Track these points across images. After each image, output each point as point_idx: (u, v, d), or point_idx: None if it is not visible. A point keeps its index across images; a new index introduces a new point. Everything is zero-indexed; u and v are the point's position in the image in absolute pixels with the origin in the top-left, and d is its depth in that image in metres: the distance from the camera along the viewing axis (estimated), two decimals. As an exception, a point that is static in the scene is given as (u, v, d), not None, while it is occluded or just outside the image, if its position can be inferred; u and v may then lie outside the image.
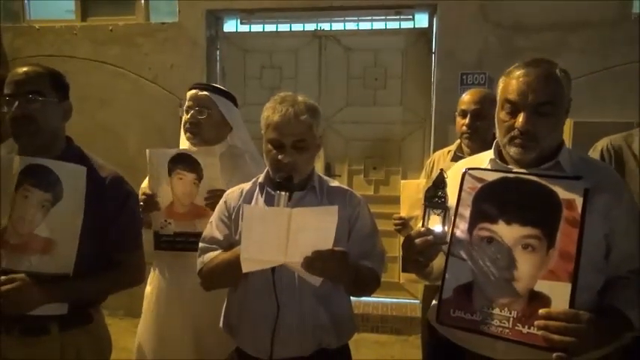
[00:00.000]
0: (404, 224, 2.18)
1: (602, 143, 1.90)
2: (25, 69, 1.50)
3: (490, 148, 1.44)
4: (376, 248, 1.59)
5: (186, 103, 2.08)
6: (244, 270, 1.38)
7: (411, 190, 2.20)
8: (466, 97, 2.19)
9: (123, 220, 1.60)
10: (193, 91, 2.08)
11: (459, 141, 2.28)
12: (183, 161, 1.94)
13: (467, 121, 2.14)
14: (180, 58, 3.95)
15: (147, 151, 1.99)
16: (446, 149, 2.40)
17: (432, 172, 2.33)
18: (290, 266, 1.39)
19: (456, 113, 2.23)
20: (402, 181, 2.31)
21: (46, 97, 1.49)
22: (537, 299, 1.18)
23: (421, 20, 3.96)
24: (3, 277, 1.37)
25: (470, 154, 2.02)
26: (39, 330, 1.47)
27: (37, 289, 1.39)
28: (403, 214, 2.20)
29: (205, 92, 2.06)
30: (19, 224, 1.45)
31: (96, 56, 4.06)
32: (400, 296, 4.05)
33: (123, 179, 1.62)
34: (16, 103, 1.46)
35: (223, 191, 1.75)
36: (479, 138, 2.11)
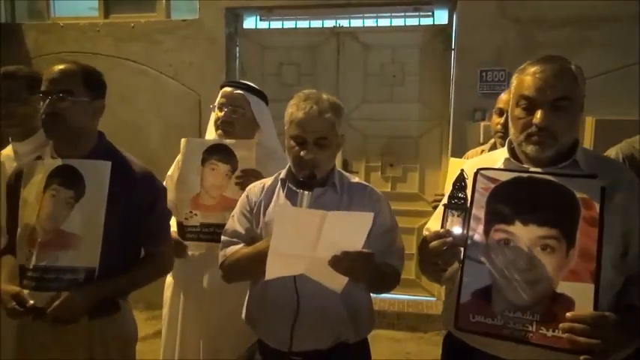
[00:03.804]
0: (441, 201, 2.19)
1: (611, 153, 1.87)
2: (60, 67, 1.54)
3: None
4: (396, 244, 1.60)
5: (219, 100, 2.08)
6: (267, 277, 1.38)
7: (458, 168, 2.21)
8: (504, 96, 2.19)
9: (157, 215, 1.65)
10: (228, 89, 2.08)
11: (493, 140, 2.27)
12: (218, 152, 1.95)
13: (502, 120, 2.14)
14: (200, 55, 3.99)
15: (182, 140, 2.01)
16: (479, 148, 2.39)
17: None
18: (311, 275, 1.41)
19: (493, 111, 2.25)
20: (451, 159, 2.28)
21: (76, 96, 1.52)
22: (560, 301, 1.15)
23: (440, 16, 3.93)
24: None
25: None
26: None
27: (81, 296, 1.46)
28: (446, 191, 2.21)
29: (240, 91, 2.07)
30: (47, 222, 1.50)
31: (118, 53, 4.12)
32: (416, 293, 4.05)
33: (154, 176, 1.67)
34: (48, 100, 1.51)
35: (255, 170, 1.78)
36: None
